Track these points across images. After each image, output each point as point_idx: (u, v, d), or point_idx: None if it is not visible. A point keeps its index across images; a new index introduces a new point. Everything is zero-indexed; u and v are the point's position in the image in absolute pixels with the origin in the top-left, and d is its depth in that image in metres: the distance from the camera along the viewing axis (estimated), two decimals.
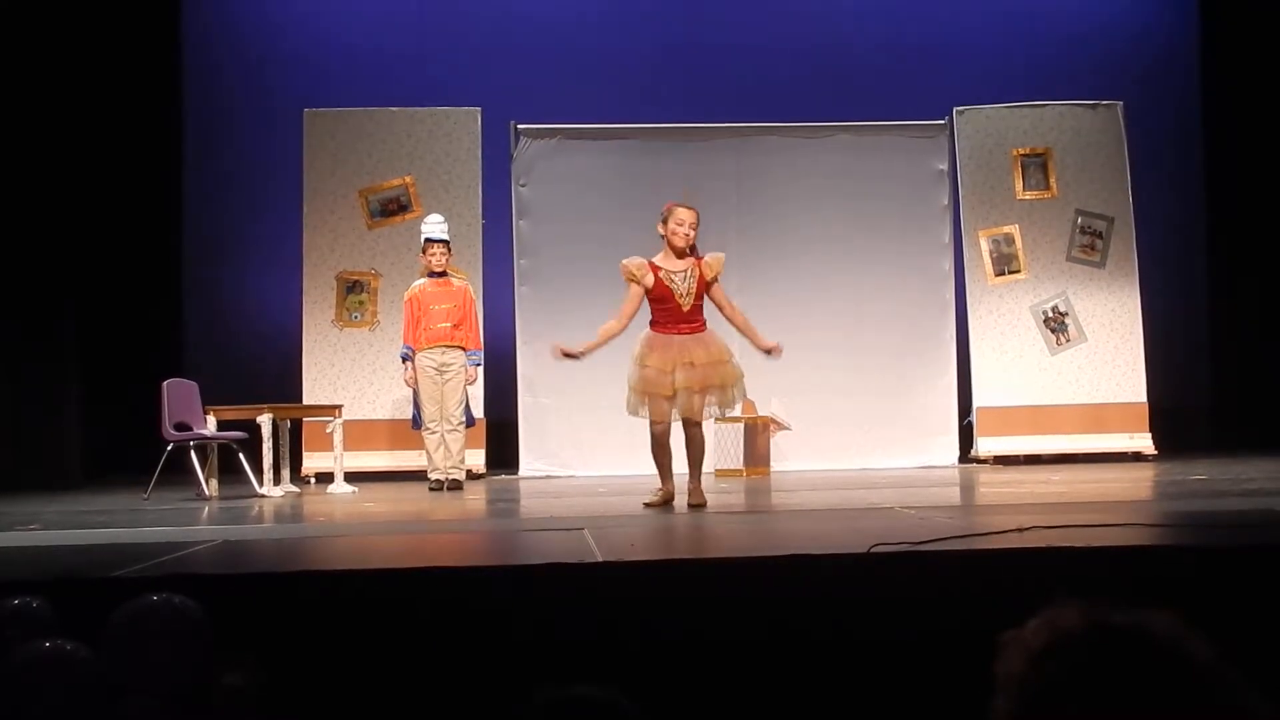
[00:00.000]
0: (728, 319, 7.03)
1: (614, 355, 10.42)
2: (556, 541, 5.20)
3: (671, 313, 6.85)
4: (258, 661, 2.95)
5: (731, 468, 9.86)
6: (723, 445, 9.87)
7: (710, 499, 7.09)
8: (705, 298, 6.91)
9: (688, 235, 6.84)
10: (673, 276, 6.83)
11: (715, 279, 6.88)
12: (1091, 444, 10.40)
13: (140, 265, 11.05)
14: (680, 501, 6.92)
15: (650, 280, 6.83)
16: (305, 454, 10.00)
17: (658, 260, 6.89)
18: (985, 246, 10.68)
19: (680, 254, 6.86)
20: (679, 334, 6.83)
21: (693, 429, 6.91)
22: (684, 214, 6.90)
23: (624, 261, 6.95)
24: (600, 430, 10.29)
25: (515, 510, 7.70)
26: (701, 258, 6.89)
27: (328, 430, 9.21)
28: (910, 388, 10.57)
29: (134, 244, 10.98)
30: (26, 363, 10.12)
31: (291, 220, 10.59)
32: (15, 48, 10.06)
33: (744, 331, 7.06)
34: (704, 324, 6.91)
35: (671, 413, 6.87)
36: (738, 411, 7.90)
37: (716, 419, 9.27)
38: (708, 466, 9.49)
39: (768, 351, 7.02)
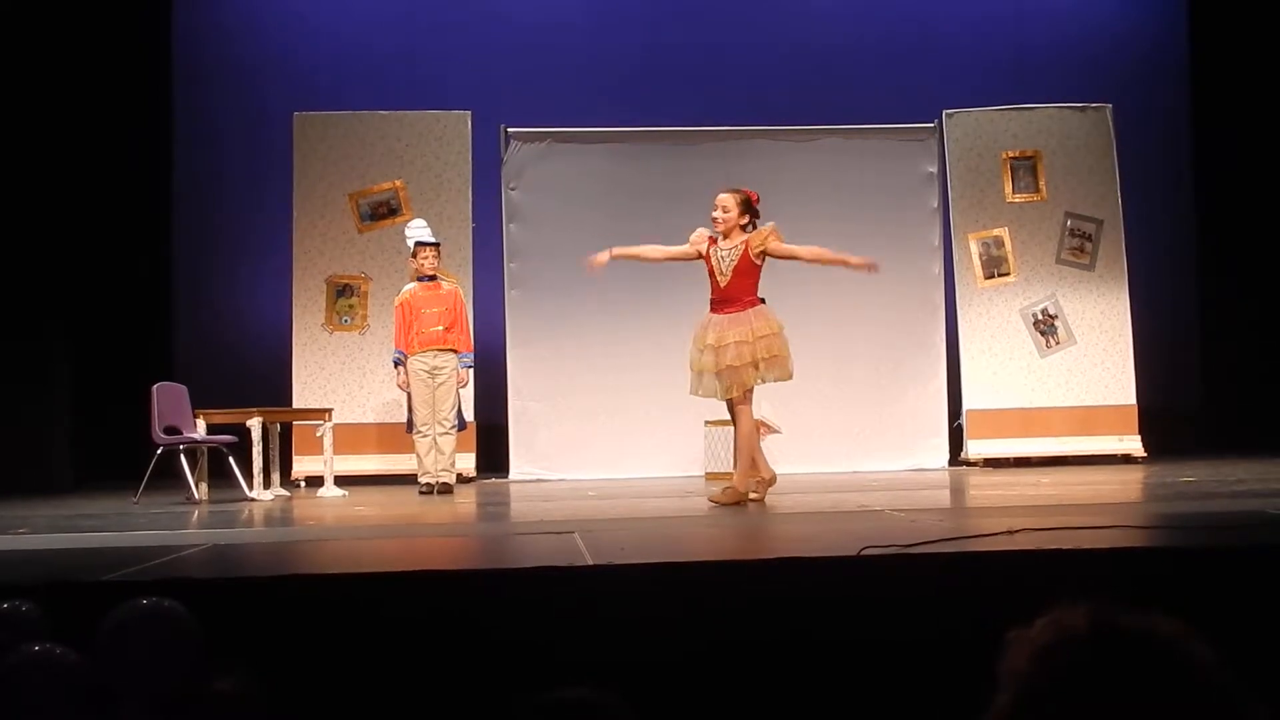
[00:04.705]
0: (809, 262, 7.43)
1: (604, 360, 10.47)
2: (547, 545, 5.20)
3: (714, 289, 7.20)
4: (248, 665, 2.94)
5: (722, 471, 9.85)
6: (713, 448, 9.87)
7: (701, 502, 7.11)
8: (758, 274, 7.17)
9: (716, 218, 7.23)
10: (718, 253, 7.18)
11: (763, 249, 7.13)
12: (1081, 446, 10.42)
13: (130, 269, 11.03)
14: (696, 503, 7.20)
15: (703, 248, 7.24)
16: (295, 458, 10.00)
17: (720, 239, 7.23)
18: (975, 249, 10.70)
19: (726, 235, 7.21)
20: (716, 313, 7.17)
21: (733, 417, 7.26)
22: (717, 199, 7.30)
23: (699, 230, 7.36)
24: (590, 434, 10.32)
25: (506, 514, 7.69)
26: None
27: (318, 434, 9.20)
28: (900, 391, 10.58)
29: (124, 247, 10.96)
30: (16, 366, 10.09)
31: (281, 224, 10.58)
32: (4, 53, 10.04)
33: (829, 263, 7.44)
34: (747, 305, 7.14)
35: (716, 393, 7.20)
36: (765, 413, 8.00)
37: (708, 421, 9.32)
38: (697, 469, 9.57)
39: (866, 268, 7.32)
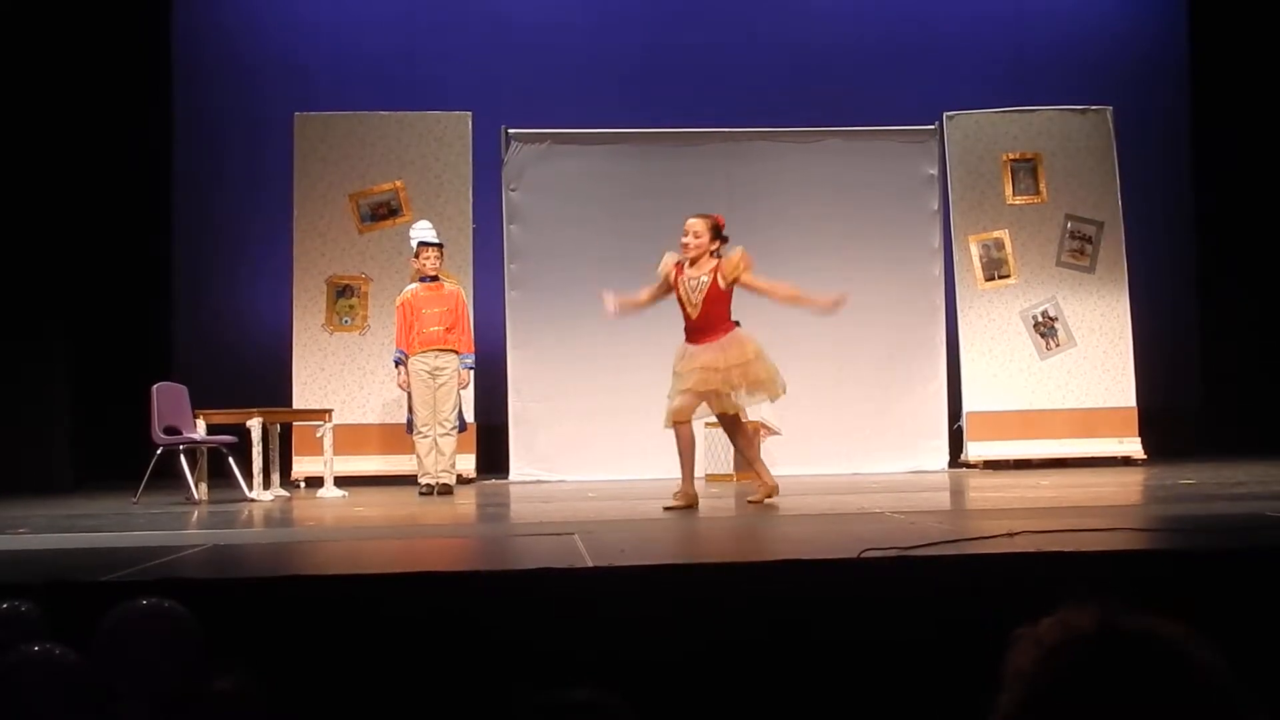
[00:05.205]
0: (779, 301, 7.24)
1: (605, 361, 10.46)
2: (547, 546, 5.19)
3: (686, 319, 7.10)
4: (248, 666, 2.94)
5: (722, 473, 9.85)
6: (713, 450, 9.86)
7: (701, 503, 7.12)
8: (729, 300, 7.05)
9: (686, 244, 7.10)
10: (687, 283, 7.06)
11: (735, 278, 7.02)
12: (1081, 448, 10.41)
13: (130, 268, 11.03)
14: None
15: (672, 276, 7.11)
16: (295, 458, 10.00)
17: (687, 265, 7.10)
18: (975, 251, 10.70)
19: (694, 262, 7.08)
20: (692, 344, 7.07)
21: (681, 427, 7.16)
22: (687, 224, 7.17)
23: (665, 255, 7.22)
24: (590, 435, 10.31)
25: (505, 515, 7.69)
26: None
27: (318, 434, 9.20)
28: (900, 392, 10.58)
29: (124, 247, 10.96)
30: (16, 366, 10.09)
31: (282, 224, 10.58)
32: (6, 53, 10.04)
33: (797, 303, 7.29)
34: (722, 332, 7.02)
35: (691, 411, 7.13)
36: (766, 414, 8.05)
37: (706, 423, 9.29)
38: (698, 471, 9.55)
39: (834, 305, 7.24)
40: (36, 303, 10.19)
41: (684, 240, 7.10)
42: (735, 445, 7.32)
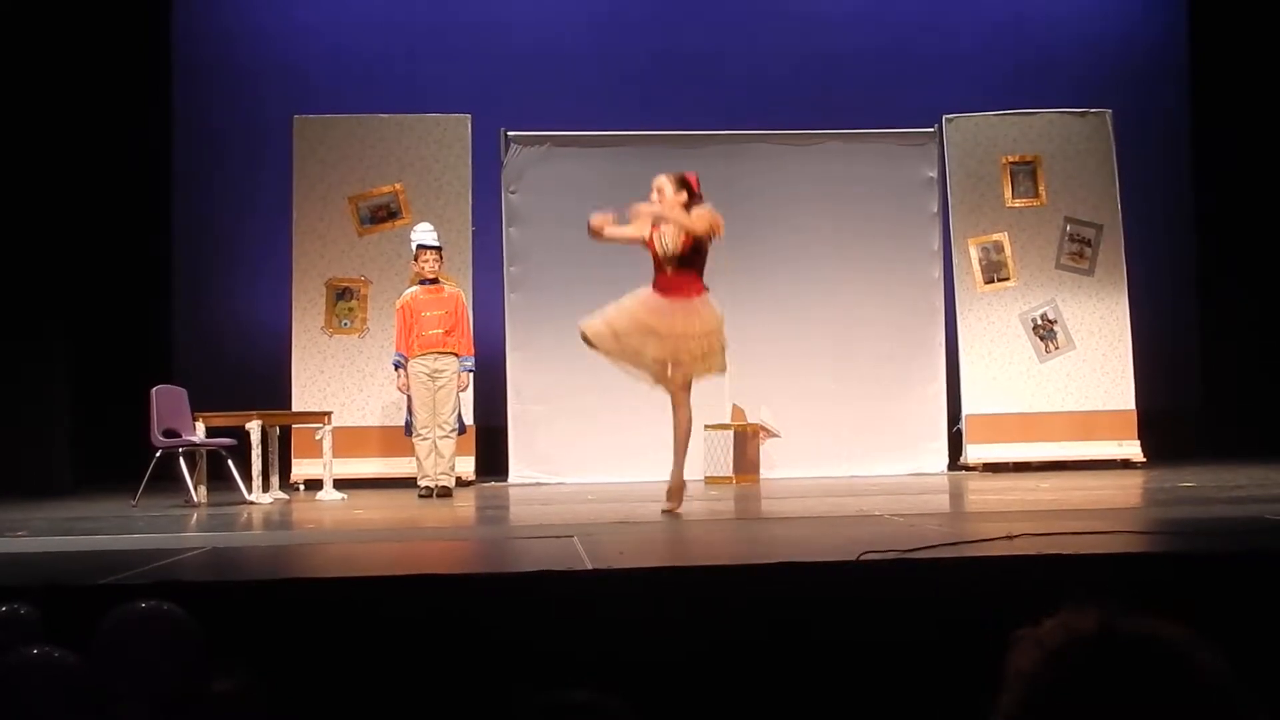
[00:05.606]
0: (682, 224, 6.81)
1: (604, 363, 10.43)
2: (546, 549, 5.19)
3: (659, 272, 6.83)
4: (247, 668, 2.94)
5: (721, 475, 9.85)
6: (712, 453, 9.87)
7: (700, 506, 7.08)
8: (703, 260, 6.80)
9: (654, 200, 6.82)
10: (662, 238, 6.81)
11: (699, 231, 6.74)
12: (1080, 451, 10.41)
13: (130, 271, 11.03)
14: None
15: (646, 231, 6.83)
16: (294, 461, 9.99)
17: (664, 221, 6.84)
18: (974, 254, 10.70)
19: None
20: (666, 297, 6.78)
21: (677, 410, 6.90)
22: (653, 182, 6.91)
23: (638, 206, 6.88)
24: (590, 437, 10.30)
25: (505, 517, 7.69)
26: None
27: (317, 437, 9.20)
28: (900, 395, 10.58)
29: (124, 250, 10.96)
30: (16, 366, 10.09)
31: (281, 226, 10.58)
32: (6, 55, 10.04)
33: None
34: (695, 293, 6.79)
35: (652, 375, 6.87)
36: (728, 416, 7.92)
37: (706, 425, 9.29)
38: (697, 473, 9.54)
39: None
40: (36, 303, 10.19)
41: (653, 196, 6.85)
42: (679, 417, 7.05)
